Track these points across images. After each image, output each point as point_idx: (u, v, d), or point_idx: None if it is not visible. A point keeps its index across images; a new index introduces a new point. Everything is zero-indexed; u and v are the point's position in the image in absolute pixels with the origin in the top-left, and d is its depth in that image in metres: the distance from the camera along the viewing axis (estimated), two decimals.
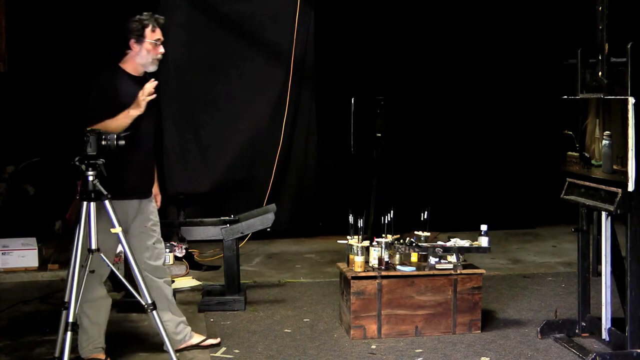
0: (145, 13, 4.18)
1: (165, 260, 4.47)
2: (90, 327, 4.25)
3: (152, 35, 4.14)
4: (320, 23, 7.56)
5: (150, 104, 4.08)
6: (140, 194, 4.24)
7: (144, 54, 4.15)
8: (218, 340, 4.61)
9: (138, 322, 5.08)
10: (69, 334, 3.77)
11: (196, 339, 4.56)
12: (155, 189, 4.48)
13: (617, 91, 4.10)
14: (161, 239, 4.43)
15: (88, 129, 3.88)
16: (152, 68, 4.21)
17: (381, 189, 7.06)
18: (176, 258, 6.51)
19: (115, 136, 3.93)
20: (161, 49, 4.19)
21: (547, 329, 4.72)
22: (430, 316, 4.77)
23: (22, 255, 6.25)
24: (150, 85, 4.01)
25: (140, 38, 4.13)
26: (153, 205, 4.38)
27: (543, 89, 7.32)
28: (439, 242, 4.89)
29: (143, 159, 4.24)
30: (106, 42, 7.12)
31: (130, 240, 4.11)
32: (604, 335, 4.47)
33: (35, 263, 6.27)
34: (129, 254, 3.97)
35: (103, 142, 3.92)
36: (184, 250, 6.63)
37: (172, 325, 4.41)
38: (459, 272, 4.77)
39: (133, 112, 4.02)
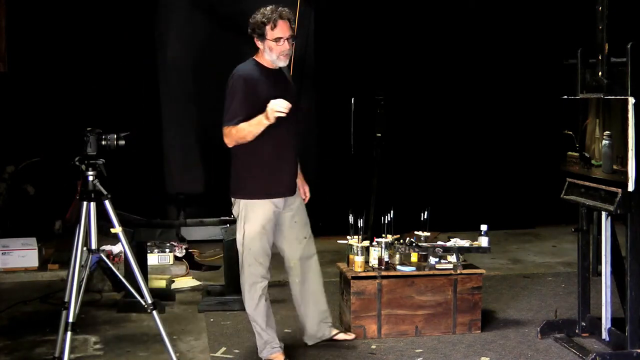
0: (268, 8, 4.04)
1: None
2: (262, 332, 4.30)
3: (273, 33, 4.01)
4: (320, 23, 7.56)
5: (289, 98, 4.05)
6: (284, 192, 4.24)
7: (268, 52, 4.07)
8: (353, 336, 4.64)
9: (138, 322, 5.08)
10: (69, 334, 3.77)
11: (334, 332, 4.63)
12: (299, 182, 4.44)
13: (617, 91, 4.10)
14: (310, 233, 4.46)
15: (226, 128, 4.02)
16: (282, 63, 4.13)
17: (381, 189, 7.06)
18: (176, 258, 6.51)
19: (115, 136, 3.94)
20: (285, 45, 4.04)
21: (547, 329, 4.72)
22: (430, 316, 4.76)
23: (22, 255, 6.24)
24: (284, 104, 3.93)
25: (261, 36, 4.05)
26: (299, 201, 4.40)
27: (543, 89, 7.31)
28: (439, 242, 4.89)
29: (285, 159, 4.22)
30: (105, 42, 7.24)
31: (283, 237, 4.31)
32: (604, 335, 4.47)
33: (35, 263, 6.26)
34: (129, 254, 3.98)
35: (103, 142, 3.93)
36: (184, 250, 6.63)
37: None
38: (459, 272, 4.77)
39: (265, 122, 3.97)
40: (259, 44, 4.09)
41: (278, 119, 3.98)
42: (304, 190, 4.48)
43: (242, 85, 4.05)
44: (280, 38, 4.03)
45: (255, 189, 4.17)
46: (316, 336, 4.54)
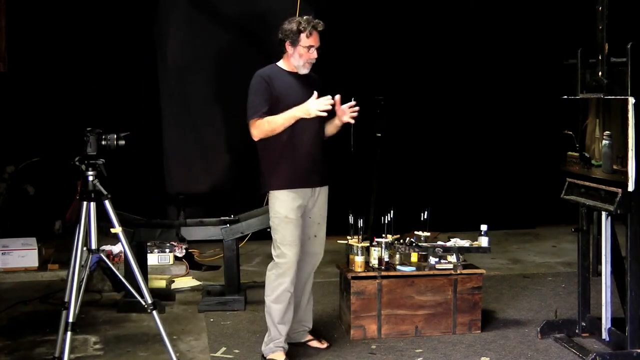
0: (305, 17, 4.30)
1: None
2: (273, 327, 4.34)
3: (307, 41, 4.25)
4: None
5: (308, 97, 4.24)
6: (305, 183, 4.34)
7: (297, 57, 4.30)
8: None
9: (138, 322, 5.08)
10: (69, 334, 3.78)
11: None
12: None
13: (617, 91, 4.10)
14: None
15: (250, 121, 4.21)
16: (304, 70, 4.35)
17: (381, 189, 7.06)
18: (176, 258, 6.51)
19: (115, 136, 3.94)
20: (313, 54, 4.28)
21: (547, 329, 4.72)
22: (430, 316, 4.77)
23: (22, 255, 6.25)
24: (327, 101, 4.13)
25: (294, 42, 4.26)
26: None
27: (543, 89, 7.32)
28: (439, 242, 4.89)
29: (305, 150, 4.32)
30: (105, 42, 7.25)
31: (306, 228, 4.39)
32: (604, 335, 4.47)
33: (35, 263, 6.27)
34: (129, 254, 3.98)
35: (103, 142, 3.93)
36: (184, 250, 6.63)
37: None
38: (459, 272, 4.77)
39: (298, 114, 4.18)
40: (289, 49, 4.31)
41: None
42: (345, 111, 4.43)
43: (261, 82, 4.29)
44: (312, 46, 4.27)
45: (276, 180, 4.31)
46: (289, 336, 4.51)
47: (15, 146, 7.21)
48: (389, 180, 7.27)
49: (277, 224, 4.31)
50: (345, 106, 4.37)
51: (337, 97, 4.34)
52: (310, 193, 4.37)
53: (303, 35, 4.24)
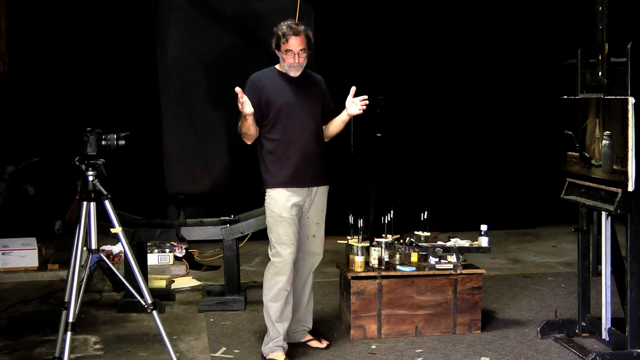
0: (288, 22, 4.33)
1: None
2: (271, 326, 4.36)
3: (284, 45, 4.30)
4: (320, 23, 7.55)
5: (309, 100, 4.40)
6: (299, 182, 4.36)
7: (282, 61, 4.36)
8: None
9: (138, 322, 5.08)
10: (69, 334, 3.78)
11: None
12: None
13: (617, 91, 4.10)
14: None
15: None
16: (292, 73, 4.36)
17: (381, 189, 7.06)
18: (176, 258, 6.51)
19: (115, 136, 3.94)
20: (296, 59, 4.29)
21: (547, 329, 4.72)
22: (430, 316, 4.77)
23: (22, 255, 6.25)
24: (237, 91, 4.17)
25: (277, 46, 4.35)
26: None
27: (543, 89, 7.31)
28: (439, 242, 4.89)
29: (300, 149, 4.35)
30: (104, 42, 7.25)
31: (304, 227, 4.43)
32: (604, 335, 4.47)
33: (35, 263, 6.27)
34: (129, 254, 3.98)
35: (103, 142, 3.93)
36: (184, 250, 6.63)
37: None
38: (459, 272, 4.77)
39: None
40: (277, 52, 4.38)
41: (288, 118, 4.30)
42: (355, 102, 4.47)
43: (249, 86, 4.37)
44: (290, 51, 4.30)
45: (269, 179, 4.36)
46: (289, 336, 4.51)
47: (15, 146, 7.21)
48: (389, 180, 7.27)
49: (272, 223, 4.34)
50: (356, 98, 4.41)
51: (353, 88, 4.42)
52: (306, 192, 4.38)
53: (282, 41, 4.30)
